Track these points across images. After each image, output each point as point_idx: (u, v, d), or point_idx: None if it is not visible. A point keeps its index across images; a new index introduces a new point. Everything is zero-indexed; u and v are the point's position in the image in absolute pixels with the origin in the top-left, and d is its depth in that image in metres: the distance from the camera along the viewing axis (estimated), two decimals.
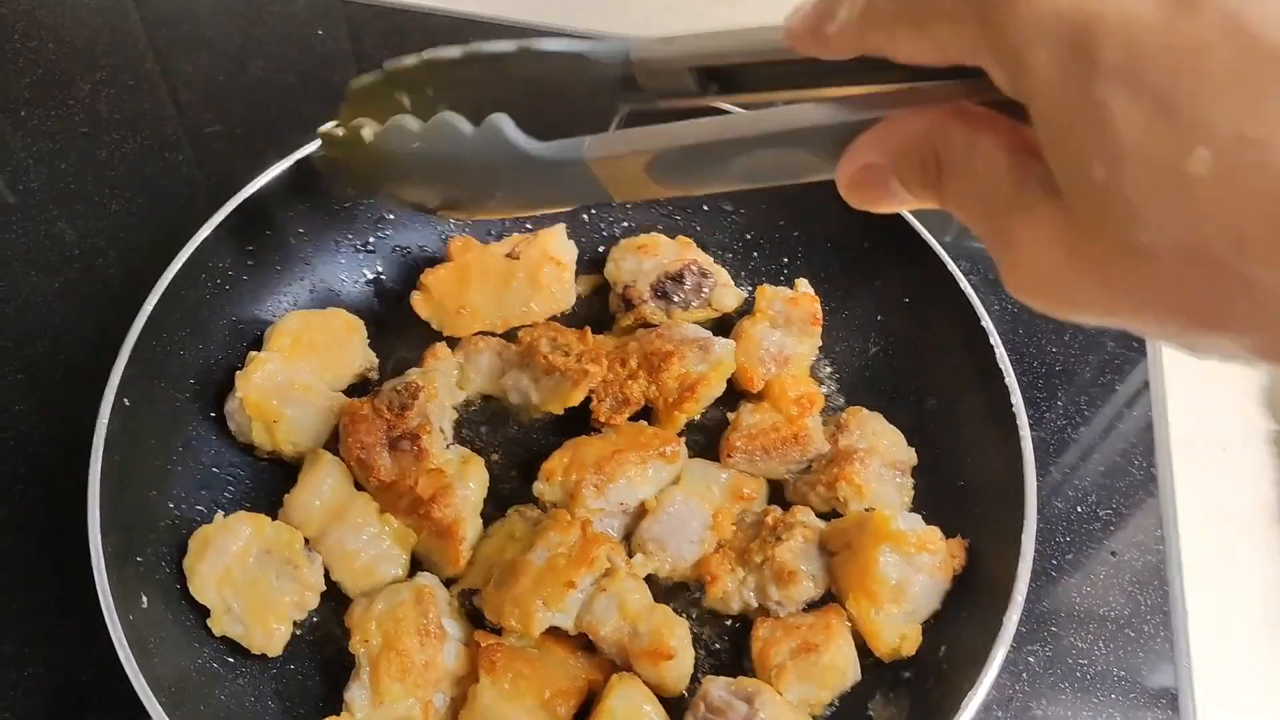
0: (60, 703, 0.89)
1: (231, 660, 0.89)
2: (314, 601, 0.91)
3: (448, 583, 0.93)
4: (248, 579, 0.89)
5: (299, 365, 0.99)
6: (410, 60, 0.71)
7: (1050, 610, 0.99)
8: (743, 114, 0.52)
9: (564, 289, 1.07)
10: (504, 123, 0.61)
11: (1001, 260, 0.40)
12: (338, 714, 0.85)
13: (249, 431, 0.96)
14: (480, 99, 0.65)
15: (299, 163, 1.02)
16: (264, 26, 1.38)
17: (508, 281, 1.06)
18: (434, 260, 1.12)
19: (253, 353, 0.98)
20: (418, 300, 1.06)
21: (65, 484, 0.89)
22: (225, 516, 0.91)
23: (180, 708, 0.77)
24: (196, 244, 0.96)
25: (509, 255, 1.06)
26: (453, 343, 1.05)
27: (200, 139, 1.27)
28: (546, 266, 1.06)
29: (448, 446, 0.98)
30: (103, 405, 0.86)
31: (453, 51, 0.69)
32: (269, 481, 0.99)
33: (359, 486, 0.96)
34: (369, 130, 0.69)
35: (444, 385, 1.00)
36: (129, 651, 0.77)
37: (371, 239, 1.12)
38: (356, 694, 0.85)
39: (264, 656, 0.89)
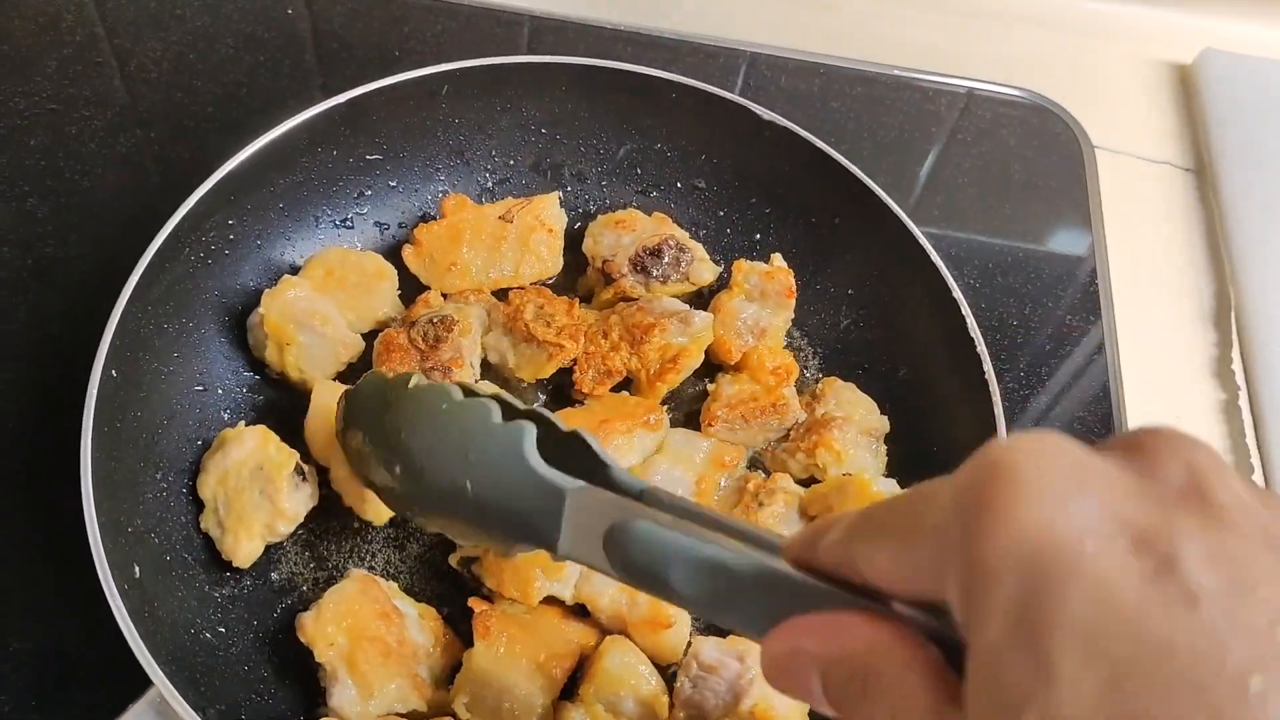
0: (47, 675, 0.89)
1: (224, 631, 0.89)
2: (284, 529, 0.92)
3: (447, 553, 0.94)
4: (237, 487, 0.91)
5: (325, 297, 1.03)
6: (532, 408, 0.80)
7: None
8: (710, 543, 0.53)
9: (553, 255, 1.10)
10: (528, 431, 0.68)
11: None
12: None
13: (263, 348, 1.00)
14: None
15: (276, 139, 1.02)
16: (233, 4, 1.37)
17: (498, 243, 1.08)
18: (410, 235, 1.13)
19: (286, 275, 1.03)
20: (409, 252, 1.08)
21: (51, 458, 0.88)
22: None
23: (178, 675, 0.78)
24: (178, 218, 0.96)
25: (502, 218, 1.08)
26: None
27: (171, 116, 1.26)
28: (538, 232, 1.08)
29: (476, 382, 1.00)
30: (91, 377, 0.86)
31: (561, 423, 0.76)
32: None
33: None
34: (416, 379, 0.78)
35: (476, 321, 1.02)
36: (129, 620, 0.77)
37: (351, 214, 1.12)
38: (343, 696, 0.84)
39: (258, 626, 0.90)
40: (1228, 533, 0.33)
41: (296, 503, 0.92)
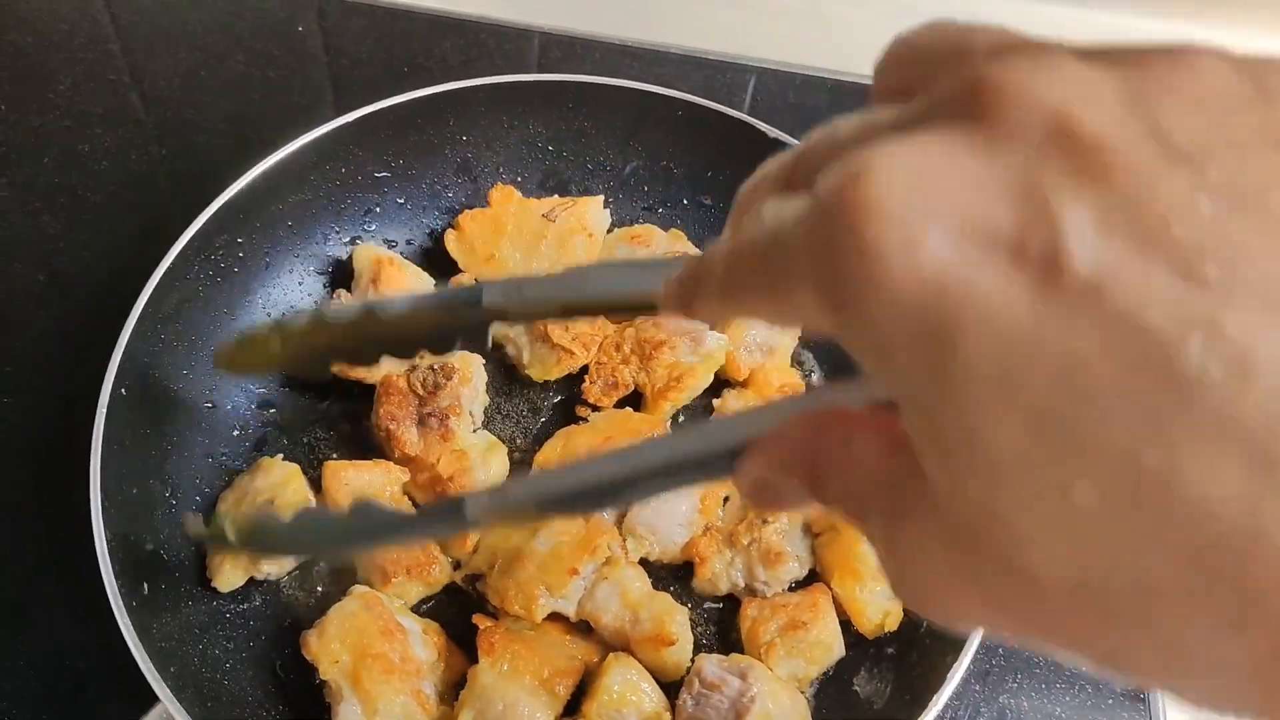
0: (56, 689, 0.90)
1: (231, 646, 0.90)
2: (268, 568, 0.93)
3: (454, 566, 0.95)
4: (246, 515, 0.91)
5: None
6: (261, 327, 0.73)
7: None
8: (624, 451, 0.51)
9: (589, 259, 1.11)
10: (370, 505, 0.63)
11: (884, 565, 0.34)
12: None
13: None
14: (347, 339, 0.68)
15: (285, 158, 1.03)
16: (243, 22, 1.38)
17: (538, 240, 1.09)
18: (420, 251, 1.15)
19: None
20: (451, 237, 1.10)
21: (62, 473, 0.90)
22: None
23: (184, 691, 0.79)
24: (188, 237, 0.97)
25: (545, 215, 1.10)
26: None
27: (182, 133, 1.28)
28: (578, 235, 1.10)
29: (474, 430, 1.01)
30: (101, 395, 0.87)
31: (301, 319, 0.72)
32: None
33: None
34: (231, 531, 0.71)
35: (478, 372, 1.02)
36: (135, 636, 0.79)
37: (360, 232, 1.13)
38: (348, 713, 0.84)
39: (265, 641, 0.91)
40: (1113, 176, 0.27)
41: None
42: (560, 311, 0.58)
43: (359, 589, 0.91)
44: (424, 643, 0.89)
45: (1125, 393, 0.25)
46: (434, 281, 1.09)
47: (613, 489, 0.55)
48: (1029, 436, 0.26)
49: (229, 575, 0.91)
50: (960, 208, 0.27)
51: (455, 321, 0.66)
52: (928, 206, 0.28)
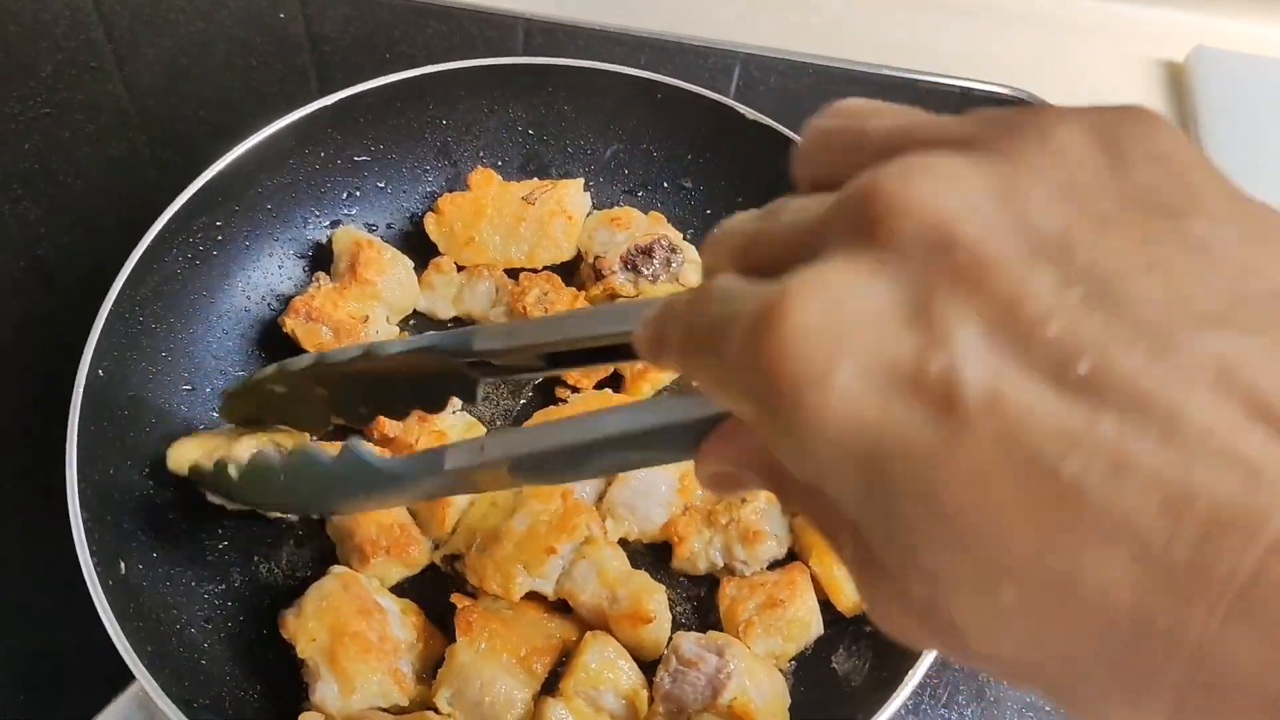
0: (33, 669, 0.90)
1: (209, 626, 0.90)
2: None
3: (433, 547, 0.95)
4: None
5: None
6: (268, 371, 0.83)
7: None
8: (597, 416, 0.55)
9: (569, 241, 1.11)
10: (358, 447, 0.68)
11: (853, 580, 0.37)
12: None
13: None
14: (338, 396, 0.78)
15: (264, 141, 1.03)
16: (226, 9, 1.38)
17: (517, 224, 1.10)
18: (400, 235, 1.14)
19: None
20: (430, 220, 1.10)
21: (38, 456, 0.89)
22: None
23: (161, 670, 0.79)
24: (165, 219, 0.97)
25: (525, 199, 1.10)
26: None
27: (164, 121, 1.28)
28: (558, 217, 1.10)
29: (454, 412, 1.01)
30: (78, 376, 0.87)
31: (305, 360, 0.78)
32: None
33: None
34: (234, 468, 0.79)
35: None
36: (112, 615, 0.79)
37: (340, 215, 1.13)
38: (325, 692, 0.84)
39: (243, 622, 0.91)
40: (990, 284, 0.29)
41: None
42: (548, 359, 0.62)
43: (337, 569, 0.91)
44: (402, 623, 0.90)
45: (1024, 507, 0.28)
46: (413, 265, 1.09)
47: (582, 453, 0.57)
48: (957, 550, 0.29)
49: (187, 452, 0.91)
50: (864, 343, 0.30)
51: (447, 368, 0.69)
52: (835, 345, 0.30)
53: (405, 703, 0.86)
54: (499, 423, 1.04)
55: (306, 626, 0.86)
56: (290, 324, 1.02)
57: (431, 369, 0.70)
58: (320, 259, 1.10)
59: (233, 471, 0.81)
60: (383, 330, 1.05)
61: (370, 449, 0.68)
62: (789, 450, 0.33)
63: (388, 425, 0.97)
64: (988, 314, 0.29)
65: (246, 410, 0.90)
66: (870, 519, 0.32)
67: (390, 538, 0.92)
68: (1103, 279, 0.29)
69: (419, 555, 0.94)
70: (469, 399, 0.71)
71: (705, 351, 0.36)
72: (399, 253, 1.09)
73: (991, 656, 0.31)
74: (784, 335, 0.31)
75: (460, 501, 0.96)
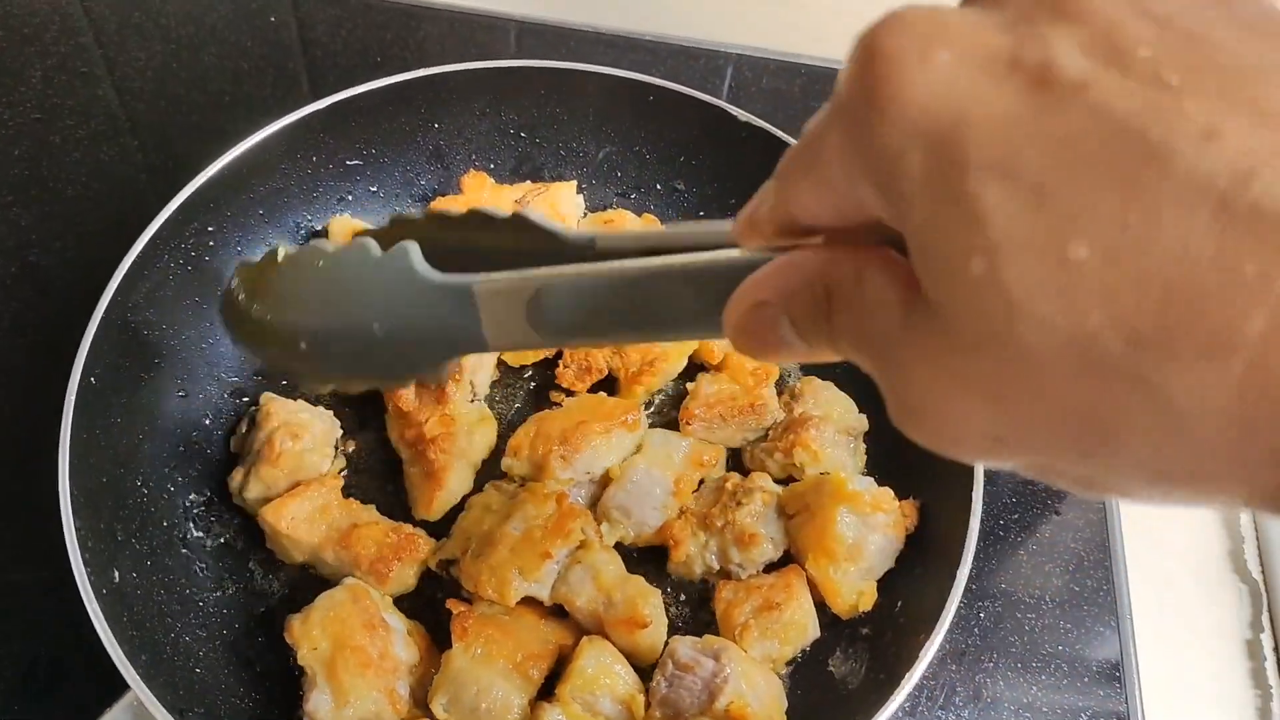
0: (28, 677, 0.90)
1: (203, 634, 0.90)
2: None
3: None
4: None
5: None
6: (414, 214, 0.74)
7: (999, 567, 1.03)
8: (629, 261, 0.53)
9: None
10: (411, 249, 0.63)
11: (888, 396, 0.38)
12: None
13: None
14: (447, 257, 0.67)
15: (255, 146, 1.03)
16: (216, 14, 1.38)
17: None
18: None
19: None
20: None
21: (31, 464, 0.89)
22: (195, 494, 0.95)
23: (155, 678, 0.78)
24: (158, 225, 0.97)
25: (518, 202, 1.10)
26: None
27: (154, 125, 1.27)
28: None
29: (472, 400, 1.01)
30: (70, 382, 0.87)
31: (455, 210, 0.71)
32: (234, 460, 1.00)
33: None
34: (282, 250, 0.71)
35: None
36: (105, 624, 0.78)
37: (331, 220, 1.13)
38: (319, 702, 0.84)
39: (238, 630, 0.90)
40: (1093, 19, 0.32)
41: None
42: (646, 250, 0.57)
43: (350, 580, 0.91)
44: (406, 643, 0.89)
45: (1110, 164, 0.30)
46: None
47: (607, 292, 0.54)
48: (1028, 208, 0.31)
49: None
50: (966, 36, 0.33)
51: (545, 246, 0.65)
52: (939, 34, 0.33)
53: None
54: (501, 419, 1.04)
55: (310, 634, 0.86)
56: None
57: (545, 250, 0.66)
58: None
59: (281, 253, 0.71)
60: None
61: (420, 256, 0.63)
62: (872, 148, 0.34)
63: (403, 399, 0.97)
64: (1085, 36, 0.32)
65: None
66: (938, 203, 0.33)
67: (392, 547, 0.92)
68: (1194, 38, 0.31)
69: (425, 546, 0.94)
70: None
71: (798, 152, 0.40)
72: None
73: (1044, 354, 0.31)
74: (889, 24, 0.34)
75: (456, 486, 0.96)
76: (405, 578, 0.93)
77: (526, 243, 0.68)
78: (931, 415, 0.36)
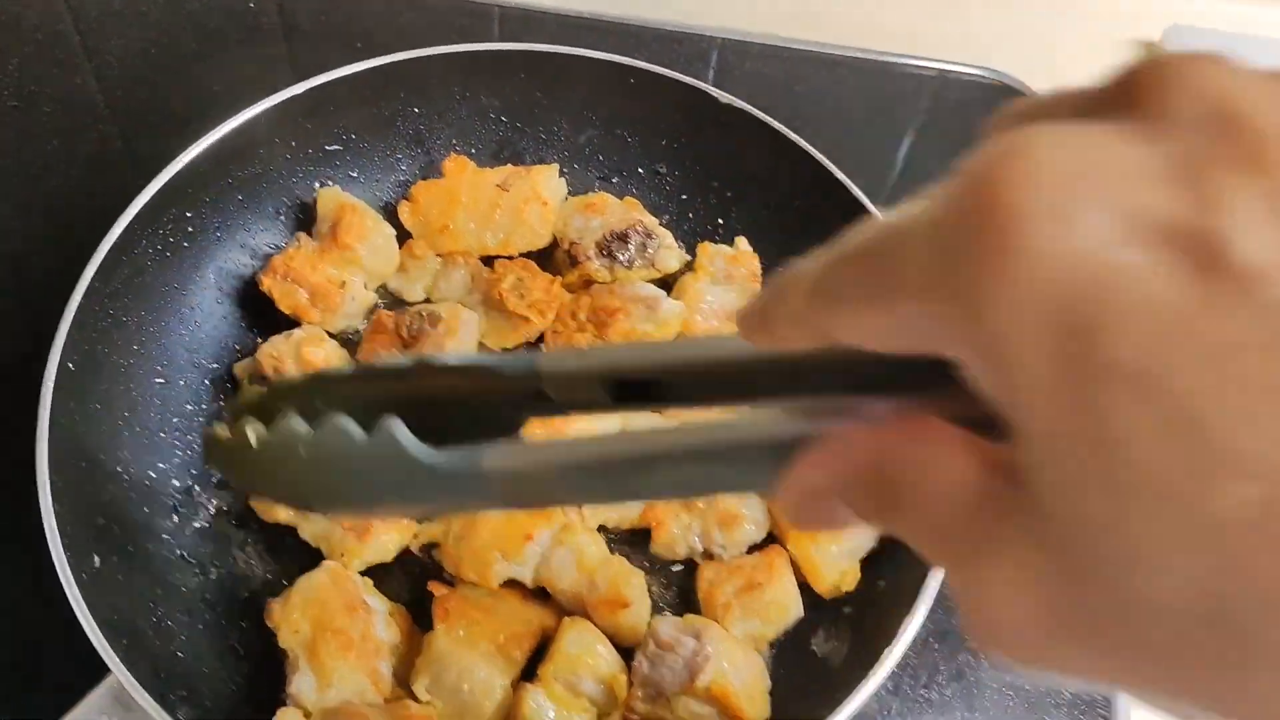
0: (12, 668, 0.90)
1: (186, 619, 0.90)
2: None
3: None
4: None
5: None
6: (296, 376, 0.70)
7: None
8: (664, 428, 0.47)
9: (544, 227, 1.11)
10: (397, 428, 0.57)
11: (962, 606, 0.31)
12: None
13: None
14: (373, 408, 0.61)
15: (233, 131, 1.03)
16: (195, 1, 1.37)
17: (492, 211, 1.09)
18: None
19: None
20: (404, 209, 1.09)
21: (8, 451, 0.89)
22: (176, 480, 0.95)
23: (136, 662, 0.78)
24: (134, 211, 0.96)
25: (500, 185, 1.10)
26: None
27: (133, 113, 1.27)
28: (532, 204, 1.10)
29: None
30: (47, 368, 0.87)
31: (343, 369, 0.66)
32: None
33: None
34: (253, 434, 0.66)
35: (466, 325, 1.02)
36: (85, 609, 0.78)
37: (319, 191, 1.12)
38: (301, 684, 0.84)
39: (221, 614, 0.90)
40: (1276, 169, 0.25)
41: None
42: (615, 390, 0.51)
43: (329, 563, 0.91)
44: (387, 624, 0.89)
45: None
46: (394, 232, 1.09)
47: (645, 466, 0.47)
48: (1174, 442, 0.24)
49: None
50: (1118, 189, 0.26)
51: (502, 390, 0.58)
52: (1082, 183, 0.26)
53: (381, 703, 0.86)
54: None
55: (291, 617, 0.86)
56: (268, 283, 1.02)
57: (481, 393, 0.59)
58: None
59: (251, 437, 0.71)
60: (360, 297, 1.05)
61: (407, 432, 0.60)
62: (975, 317, 0.27)
63: None
64: (1270, 194, 0.25)
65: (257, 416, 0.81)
66: (1056, 408, 0.26)
67: None
68: None
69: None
70: (512, 433, 0.59)
71: (858, 268, 0.31)
72: (381, 219, 1.08)
73: (1170, 612, 0.25)
74: (1016, 163, 0.26)
75: None
76: (385, 544, 0.92)
77: (462, 385, 0.61)
78: (1014, 639, 0.29)
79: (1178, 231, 0.25)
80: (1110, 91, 0.30)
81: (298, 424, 0.64)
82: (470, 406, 0.60)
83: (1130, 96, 0.28)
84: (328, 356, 0.99)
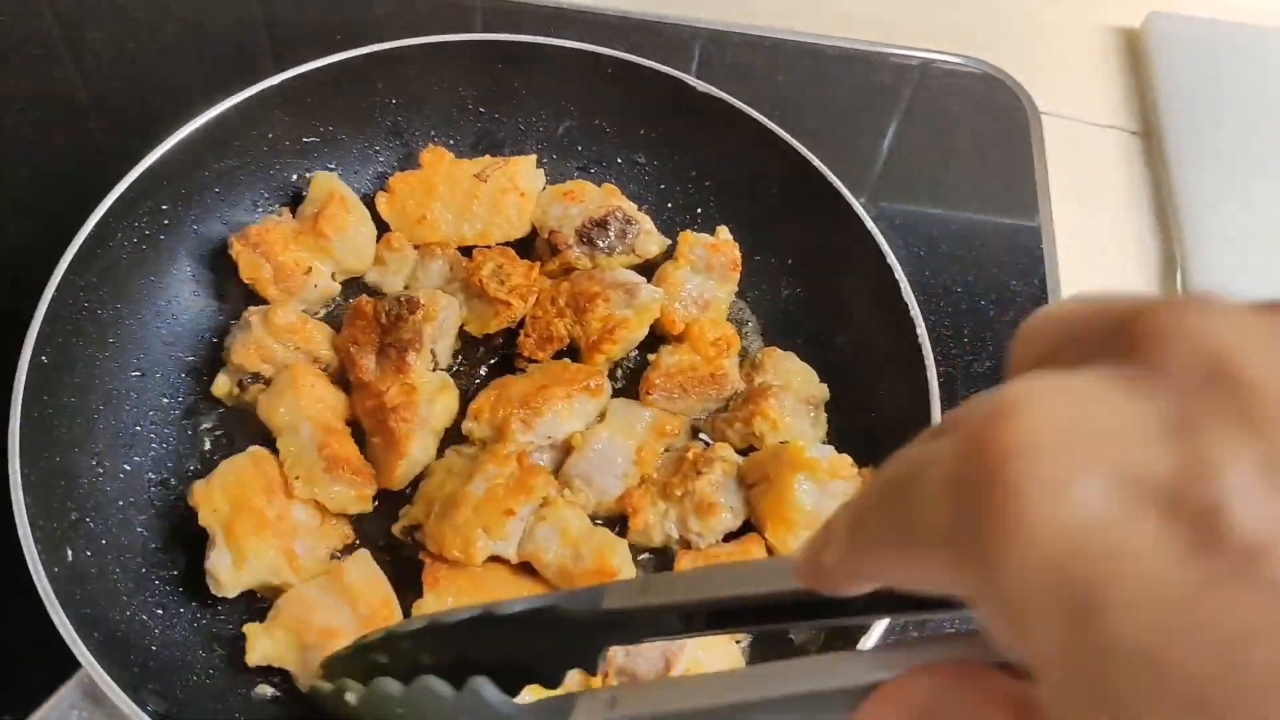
0: None
1: (160, 613, 0.89)
2: None
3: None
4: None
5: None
6: (375, 635, 0.73)
7: None
8: (747, 673, 0.51)
9: (521, 218, 1.11)
10: (484, 687, 0.61)
11: None
12: (279, 677, 0.87)
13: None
14: (455, 655, 0.67)
15: (210, 122, 1.02)
16: None
17: (469, 202, 1.10)
18: None
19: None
20: (382, 200, 1.10)
21: None
22: (153, 473, 0.96)
23: (108, 656, 0.78)
24: (109, 204, 0.96)
25: (477, 176, 1.10)
26: None
27: (110, 106, 1.27)
28: (510, 195, 1.10)
29: (433, 369, 1.01)
30: (20, 361, 0.86)
31: (415, 624, 0.70)
32: (192, 439, 0.99)
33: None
34: (352, 695, 0.72)
35: (446, 312, 1.02)
36: (55, 602, 0.78)
37: (289, 197, 1.12)
38: (217, 561, 0.87)
39: (195, 608, 0.90)
40: (1272, 428, 0.25)
41: None
42: (686, 619, 0.55)
43: (255, 448, 0.94)
44: (305, 507, 0.92)
45: None
46: (375, 232, 1.08)
47: (727, 715, 0.50)
48: (1183, 717, 0.24)
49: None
50: (1113, 453, 0.26)
51: (571, 629, 0.61)
52: (1078, 448, 0.26)
53: (295, 583, 0.88)
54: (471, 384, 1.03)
55: (212, 497, 0.89)
56: (238, 248, 1.02)
57: (551, 633, 0.62)
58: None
59: (351, 698, 0.74)
60: (322, 285, 1.05)
61: (495, 690, 0.63)
62: (987, 585, 0.28)
63: (364, 370, 0.98)
64: (1267, 456, 0.25)
65: (350, 673, 0.84)
66: (1068, 680, 0.27)
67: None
68: None
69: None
70: (590, 669, 0.62)
71: (885, 516, 0.33)
72: (367, 216, 1.08)
73: None
74: (1016, 431, 0.27)
75: (418, 455, 0.96)
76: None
77: (520, 627, 0.64)
78: None
79: (1173, 498, 0.25)
80: (1108, 338, 0.30)
81: (391, 685, 0.66)
82: (546, 645, 0.62)
83: (1130, 339, 0.29)
84: (299, 323, 1.01)
